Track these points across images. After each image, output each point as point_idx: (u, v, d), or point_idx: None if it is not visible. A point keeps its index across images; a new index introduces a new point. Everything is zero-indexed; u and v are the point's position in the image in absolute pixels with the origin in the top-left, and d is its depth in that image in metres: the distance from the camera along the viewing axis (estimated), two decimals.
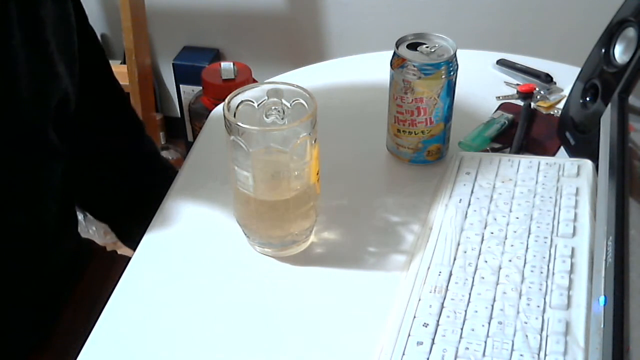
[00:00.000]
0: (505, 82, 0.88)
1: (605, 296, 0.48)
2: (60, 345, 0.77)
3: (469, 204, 0.65)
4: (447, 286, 0.56)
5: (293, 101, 0.58)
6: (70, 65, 0.70)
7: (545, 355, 0.50)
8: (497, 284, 0.56)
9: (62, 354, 0.76)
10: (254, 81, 1.66)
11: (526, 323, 0.53)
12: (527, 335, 0.52)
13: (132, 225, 0.72)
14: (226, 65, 1.68)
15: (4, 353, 0.73)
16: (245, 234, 0.64)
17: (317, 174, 0.61)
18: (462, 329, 0.53)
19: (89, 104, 0.76)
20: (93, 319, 0.58)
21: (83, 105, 0.74)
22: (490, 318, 0.53)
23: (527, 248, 0.59)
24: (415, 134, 0.70)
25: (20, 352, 0.75)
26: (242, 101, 0.58)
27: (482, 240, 0.61)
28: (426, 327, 0.53)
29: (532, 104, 0.83)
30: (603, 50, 0.70)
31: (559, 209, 0.63)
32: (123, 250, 0.93)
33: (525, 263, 0.58)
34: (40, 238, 0.72)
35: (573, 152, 0.72)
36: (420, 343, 0.52)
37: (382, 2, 1.70)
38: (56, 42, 0.66)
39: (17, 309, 0.74)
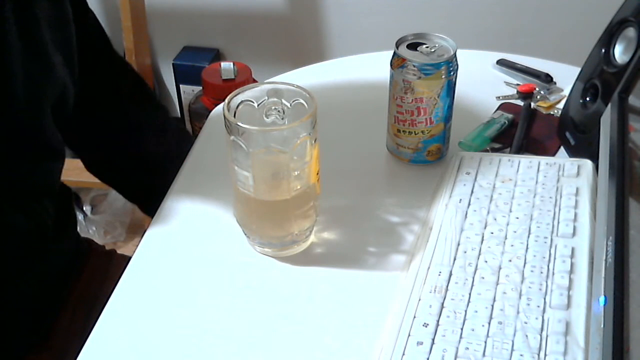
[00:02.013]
0: (505, 82, 0.88)
1: (605, 296, 0.48)
2: (59, 344, 0.77)
3: (469, 204, 0.65)
4: (447, 286, 0.56)
5: (293, 101, 0.58)
6: (68, 57, 0.70)
7: (545, 355, 0.50)
8: (497, 284, 0.56)
9: (61, 353, 0.76)
10: (254, 81, 1.66)
11: (526, 323, 0.53)
12: (527, 335, 0.52)
13: (151, 197, 0.74)
14: (226, 65, 1.68)
15: (3, 353, 0.73)
16: (245, 234, 0.64)
17: (317, 174, 0.61)
18: (462, 329, 0.53)
19: (92, 88, 0.77)
20: (92, 319, 0.58)
21: (86, 93, 0.75)
22: (490, 318, 0.53)
23: (527, 248, 0.59)
24: (415, 134, 0.70)
25: (19, 352, 0.75)
26: (242, 101, 0.58)
27: (482, 240, 0.61)
28: (426, 327, 0.53)
29: (532, 104, 0.83)
30: (603, 50, 0.70)
31: (559, 209, 0.63)
32: (122, 249, 0.93)
33: (525, 263, 0.58)
34: (38, 238, 0.72)
35: (573, 152, 0.72)
36: (420, 343, 0.52)
37: (382, 2, 1.70)
38: (51, 36, 0.66)
39: (16, 308, 0.74)
